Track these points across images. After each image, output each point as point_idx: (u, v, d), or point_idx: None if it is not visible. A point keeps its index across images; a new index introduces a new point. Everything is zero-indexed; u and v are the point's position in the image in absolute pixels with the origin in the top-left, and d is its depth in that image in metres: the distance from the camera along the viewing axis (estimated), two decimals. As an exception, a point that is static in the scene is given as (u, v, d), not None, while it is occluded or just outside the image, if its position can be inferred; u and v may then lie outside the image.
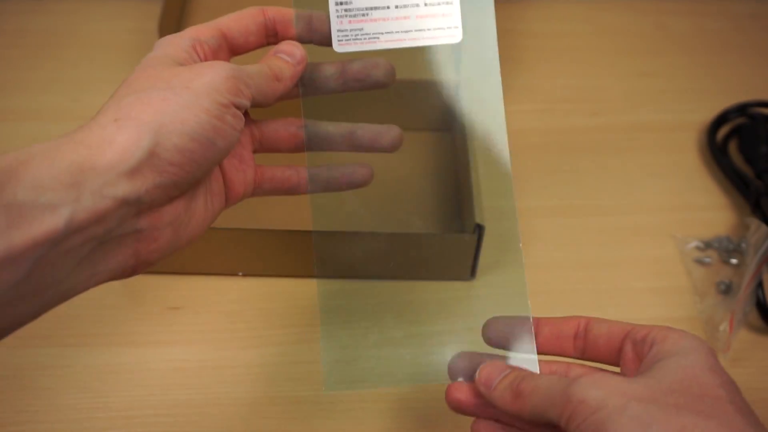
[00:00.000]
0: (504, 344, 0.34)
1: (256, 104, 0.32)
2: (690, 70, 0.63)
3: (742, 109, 0.57)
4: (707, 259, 0.49)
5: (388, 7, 0.35)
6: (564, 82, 0.61)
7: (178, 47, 0.32)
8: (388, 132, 0.38)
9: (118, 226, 0.26)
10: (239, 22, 0.34)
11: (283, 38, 0.35)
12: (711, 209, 0.52)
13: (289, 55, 0.34)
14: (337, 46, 0.35)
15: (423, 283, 0.45)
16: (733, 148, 0.55)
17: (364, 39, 0.35)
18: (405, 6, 0.35)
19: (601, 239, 0.50)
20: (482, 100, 0.41)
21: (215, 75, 0.29)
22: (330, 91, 0.36)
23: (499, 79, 0.38)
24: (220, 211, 0.34)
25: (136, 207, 0.27)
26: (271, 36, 0.35)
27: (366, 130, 0.37)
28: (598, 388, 0.26)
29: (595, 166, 0.54)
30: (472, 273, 0.45)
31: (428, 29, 0.35)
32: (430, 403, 0.41)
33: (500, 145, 0.40)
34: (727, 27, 0.67)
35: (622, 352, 0.31)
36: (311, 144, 0.37)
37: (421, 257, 0.44)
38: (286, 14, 0.35)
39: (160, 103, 0.28)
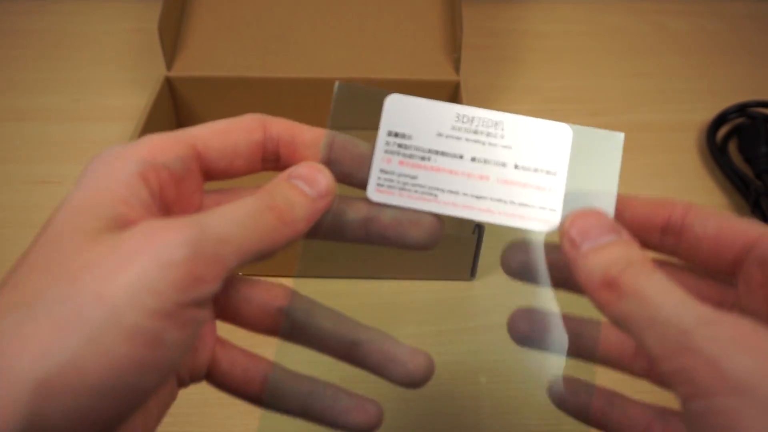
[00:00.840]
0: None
1: (238, 267, 0.21)
2: (689, 71, 0.63)
3: (741, 109, 0.57)
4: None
5: (462, 157, 0.25)
6: (564, 82, 0.61)
7: (117, 179, 0.21)
8: (411, 360, 0.25)
9: None
10: (225, 137, 0.24)
11: (288, 165, 0.25)
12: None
13: (309, 184, 0.23)
14: (374, 193, 0.25)
15: (423, 282, 0.45)
16: (732, 148, 0.55)
17: (415, 192, 0.25)
18: (486, 162, 0.25)
19: (600, 239, 0.50)
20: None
21: (152, 262, 0.18)
22: (343, 240, 0.26)
23: None
24: (166, 411, 0.24)
25: None
26: (270, 161, 0.25)
27: (376, 348, 0.25)
28: (748, 354, 0.17)
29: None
30: (472, 273, 0.45)
31: (511, 202, 0.25)
32: (423, 402, 0.41)
33: None
34: (726, 27, 0.67)
35: (744, 270, 0.22)
36: (290, 337, 0.26)
37: (421, 257, 0.44)
38: (299, 134, 0.25)
39: (52, 333, 0.17)
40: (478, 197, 0.25)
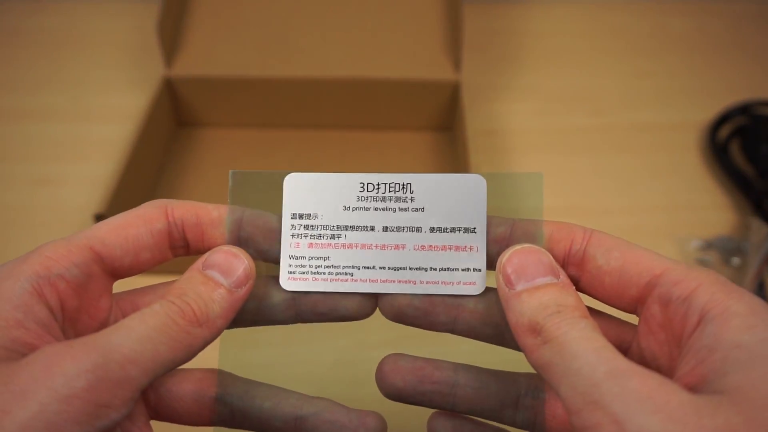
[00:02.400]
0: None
1: (150, 382, 0.20)
2: (690, 70, 0.63)
3: (744, 108, 0.57)
4: (708, 259, 0.48)
5: (373, 228, 0.24)
6: (564, 81, 0.61)
7: (8, 300, 0.19)
8: (361, 424, 0.24)
9: None
10: (124, 232, 0.22)
11: (199, 250, 0.23)
12: (712, 209, 0.51)
13: (225, 273, 0.22)
14: (286, 282, 0.24)
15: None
16: (734, 147, 0.55)
17: (329, 274, 0.24)
18: (399, 229, 0.24)
19: (601, 239, 0.50)
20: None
21: (50, 395, 0.17)
22: (271, 323, 0.24)
23: None
24: None
25: None
26: (180, 248, 0.24)
27: (323, 419, 0.24)
28: (654, 414, 0.16)
29: (595, 166, 0.54)
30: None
31: (432, 268, 0.24)
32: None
33: None
34: (727, 27, 0.67)
35: (645, 309, 0.21)
36: (230, 424, 0.24)
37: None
38: (204, 215, 0.23)
39: None
40: (396, 269, 0.24)
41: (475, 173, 0.24)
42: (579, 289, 0.23)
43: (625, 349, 0.22)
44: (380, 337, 0.24)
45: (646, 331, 0.21)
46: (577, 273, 0.22)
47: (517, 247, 0.22)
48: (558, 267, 0.21)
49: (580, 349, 0.18)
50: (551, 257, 0.22)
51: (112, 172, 0.46)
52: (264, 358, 0.27)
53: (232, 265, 0.22)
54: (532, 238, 0.23)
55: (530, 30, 0.66)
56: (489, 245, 0.24)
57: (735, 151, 0.55)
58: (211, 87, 0.54)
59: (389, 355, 0.24)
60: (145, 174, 0.50)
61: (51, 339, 0.20)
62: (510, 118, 0.58)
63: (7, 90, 0.59)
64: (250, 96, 0.54)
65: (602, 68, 0.63)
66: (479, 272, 0.23)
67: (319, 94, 0.54)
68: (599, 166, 0.54)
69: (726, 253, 0.49)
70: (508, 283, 0.21)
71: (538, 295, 0.20)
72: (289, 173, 0.24)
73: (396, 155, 0.54)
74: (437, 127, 0.56)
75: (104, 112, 0.57)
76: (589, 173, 0.54)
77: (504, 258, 0.22)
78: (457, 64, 0.53)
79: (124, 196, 0.45)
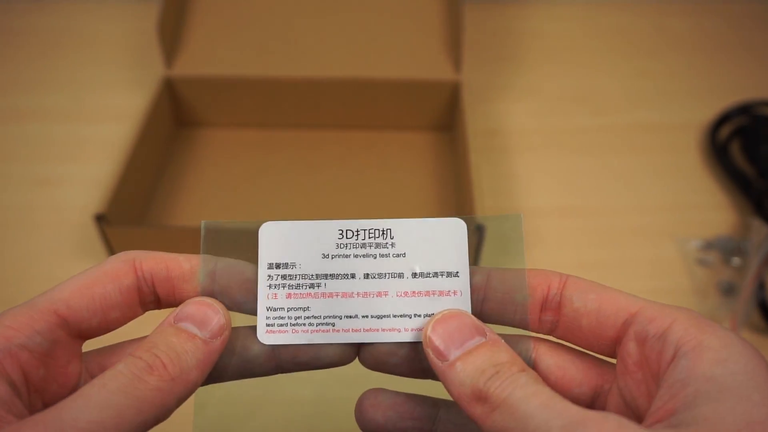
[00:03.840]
0: None
1: None
2: (690, 70, 0.63)
3: (744, 108, 0.57)
4: (709, 259, 0.48)
5: (354, 276, 0.23)
6: (564, 82, 0.61)
7: None
8: None
9: None
10: (89, 292, 0.21)
11: (171, 304, 0.23)
12: (712, 209, 0.51)
13: (200, 324, 0.21)
14: (264, 336, 0.23)
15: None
16: (734, 147, 0.55)
17: (310, 325, 0.23)
18: (381, 276, 0.23)
19: (601, 239, 0.50)
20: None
21: None
22: (251, 376, 0.23)
23: None
24: None
25: None
26: (151, 303, 0.23)
27: None
28: None
29: (595, 166, 0.54)
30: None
31: (416, 315, 0.23)
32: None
33: None
34: (727, 27, 0.67)
35: (622, 348, 0.21)
36: None
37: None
38: (174, 267, 0.22)
39: None
40: (379, 317, 0.23)
41: (455, 217, 0.24)
42: (557, 335, 0.23)
43: (606, 391, 0.22)
44: (361, 370, 0.24)
45: (624, 371, 0.21)
46: (554, 318, 0.22)
47: (437, 316, 0.22)
48: (482, 324, 0.21)
49: (529, 409, 0.18)
50: (473, 317, 0.22)
51: (112, 172, 0.46)
52: (242, 408, 0.26)
53: (206, 315, 0.21)
54: (510, 286, 0.23)
55: (531, 30, 0.66)
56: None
57: (735, 150, 0.55)
58: (211, 87, 0.54)
59: (369, 391, 0.24)
60: (145, 174, 0.50)
61: (10, 418, 0.18)
62: (510, 118, 0.58)
63: (6, 90, 0.59)
64: (250, 96, 0.54)
65: (603, 68, 0.63)
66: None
67: (319, 94, 0.54)
68: (599, 166, 0.54)
69: (726, 253, 0.49)
70: (439, 355, 0.21)
71: (472, 359, 0.20)
72: (265, 222, 0.23)
73: (396, 155, 0.54)
74: (437, 127, 0.56)
75: (104, 112, 0.57)
76: (589, 173, 0.54)
77: (428, 331, 0.21)
78: (457, 63, 0.53)
79: (124, 196, 0.45)
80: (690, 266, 0.48)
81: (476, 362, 0.20)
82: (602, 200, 0.52)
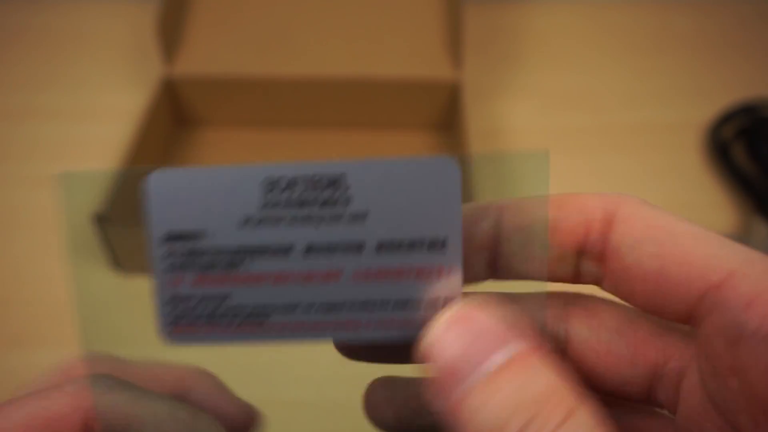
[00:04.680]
0: None
1: None
2: (692, 69, 0.62)
3: (747, 108, 0.56)
4: (709, 259, 0.48)
5: (291, 249, 0.16)
6: (565, 81, 0.61)
7: None
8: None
9: None
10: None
11: None
12: (714, 208, 0.51)
13: None
14: (169, 334, 0.17)
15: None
16: (736, 147, 0.55)
17: (234, 317, 0.16)
18: (331, 249, 0.16)
19: (602, 239, 0.49)
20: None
21: None
22: None
23: None
24: None
25: None
26: None
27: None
28: None
29: (596, 165, 0.54)
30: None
31: (382, 303, 0.16)
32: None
33: None
34: (729, 26, 0.67)
35: (703, 338, 0.14)
36: None
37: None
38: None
39: None
40: (329, 308, 0.16)
41: (443, 156, 0.16)
42: (605, 289, 0.16)
43: (674, 371, 0.16)
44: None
45: (710, 372, 0.14)
46: (598, 269, 0.16)
47: (438, 325, 0.14)
48: (512, 319, 0.14)
49: None
50: (495, 309, 0.14)
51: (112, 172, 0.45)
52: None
53: None
54: (529, 237, 0.16)
55: (531, 29, 0.66)
56: (468, 257, 0.16)
57: (737, 150, 0.55)
58: (211, 86, 0.54)
59: (377, 381, 0.19)
60: (144, 173, 0.49)
61: None
62: (511, 118, 0.58)
63: (6, 90, 0.59)
64: (250, 95, 0.54)
65: (604, 67, 0.62)
66: (456, 300, 0.16)
67: (319, 93, 0.54)
68: (600, 165, 0.54)
69: (727, 252, 0.48)
70: (442, 391, 0.13)
71: (493, 397, 0.13)
72: (155, 170, 0.17)
73: (396, 153, 0.54)
74: (437, 126, 0.56)
75: (104, 111, 0.57)
76: (590, 173, 0.53)
77: (424, 353, 0.14)
78: (457, 63, 0.53)
79: (124, 196, 0.45)
80: (691, 266, 0.48)
81: (501, 401, 0.13)
82: (603, 200, 0.52)
